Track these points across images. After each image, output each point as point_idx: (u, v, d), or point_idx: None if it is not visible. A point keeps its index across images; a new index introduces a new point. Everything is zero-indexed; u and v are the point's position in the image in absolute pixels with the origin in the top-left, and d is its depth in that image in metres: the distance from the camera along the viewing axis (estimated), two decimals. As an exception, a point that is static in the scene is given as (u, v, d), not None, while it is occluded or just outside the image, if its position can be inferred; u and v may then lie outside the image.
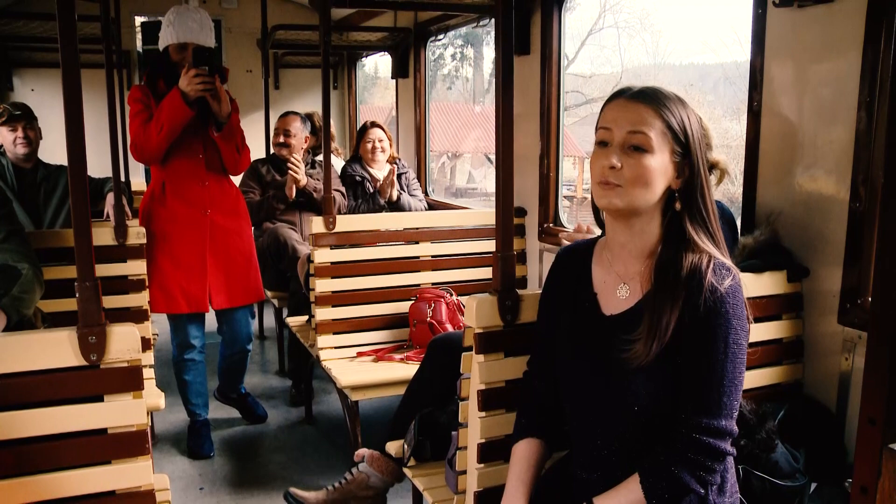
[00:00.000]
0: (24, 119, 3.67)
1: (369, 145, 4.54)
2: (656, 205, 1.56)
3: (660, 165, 1.52)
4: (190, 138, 3.24)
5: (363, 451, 2.75)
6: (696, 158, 1.54)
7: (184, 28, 3.18)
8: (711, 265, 1.52)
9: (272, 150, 4.76)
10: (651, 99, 1.53)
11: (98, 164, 3.73)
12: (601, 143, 1.56)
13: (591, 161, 1.58)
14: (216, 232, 3.36)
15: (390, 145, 4.66)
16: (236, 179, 3.65)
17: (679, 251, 1.55)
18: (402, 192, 4.52)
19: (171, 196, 3.30)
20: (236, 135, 3.31)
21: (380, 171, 4.54)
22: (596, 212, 1.68)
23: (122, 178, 3.68)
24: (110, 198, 3.44)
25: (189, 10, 3.21)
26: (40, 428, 1.62)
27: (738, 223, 2.53)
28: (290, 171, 4.30)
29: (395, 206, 4.45)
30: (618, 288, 1.64)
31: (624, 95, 1.56)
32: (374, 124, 4.61)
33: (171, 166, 3.29)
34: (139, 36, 6.34)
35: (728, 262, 1.56)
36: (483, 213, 3.84)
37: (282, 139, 4.51)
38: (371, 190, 4.48)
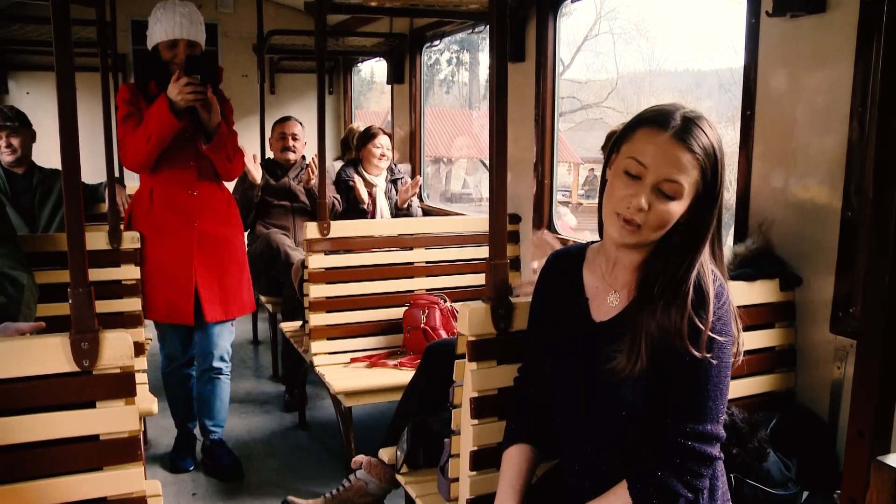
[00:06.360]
0: (9, 127, 3.62)
1: (378, 151, 4.54)
2: None
3: (681, 210, 1.51)
4: (181, 146, 3.08)
5: (361, 458, 2.74)
6: (716, 200, 1.52)
7: (171, 23, 3.00)
8: (694, 272, 1.53)
9: (270, 155, 4.77)
10: (693, 142, 1.47)
11: (93, 169, 3.74)
12: (630, 175, 1.50)
13: (615, 187, 1.53)
14: (205, 242, 3.18)
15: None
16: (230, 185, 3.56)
17: (667, 261, 1.55)
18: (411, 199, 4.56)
19: (158, 205, 3.13)
20: (227, 145, 3.14)
21: (378, 177, 4.55)
22: (600, 220, 1.63)
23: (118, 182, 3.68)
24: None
25: (176, 5, 3.04)
26: (32, 434, 1.61)
27: (731, 231, 2.54)
28: (309, 170, 4.35)
29: (405, 213, 4.48)
30: (609, 295, 1.64)
31: (665, 131, 1.48)
32: (382, 131, 4.61)
33: (161, 174, 3.12)
34: (130, 36, 6.29)
35: (713, 267, 1.56)
36: (477, 219, 3.85)
37: (290, 143, 4.53)
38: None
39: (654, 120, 1.51)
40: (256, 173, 4.35)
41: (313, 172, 4.32)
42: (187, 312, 3.17)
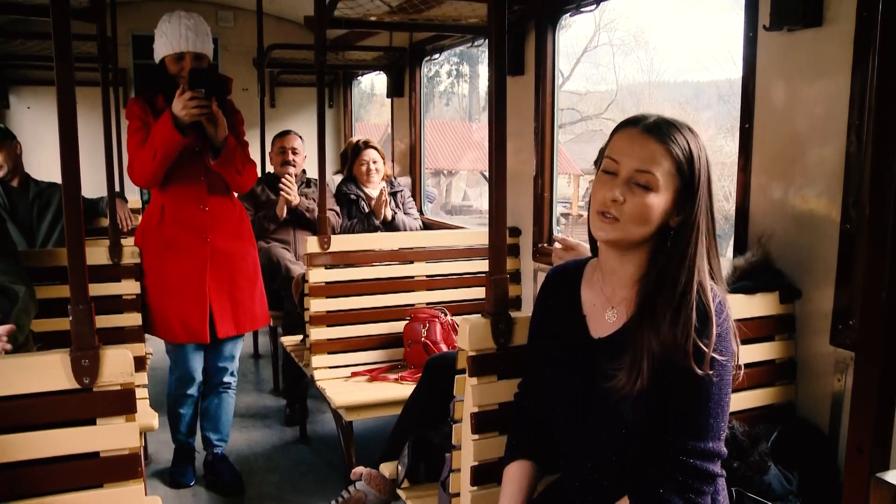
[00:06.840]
0: None
1: (363, 167, 4.56)
2: (651, 236, 1.55)
3: (661, 204, 1.51)
4: (190, 161, 3.01)
5: (360, 470, 2.74)
6: (699, 199, 1.52)
7: (177, 36, 2.93)
8: (695, 288, 1.52)
9: (270, 169, 4.77)
10: (664, 136, 1.50)
11: (93, 182, 3.73)
12: (607, 172, 1.54)
13: (595, 187, 1.57)
14: (217, 258, 3.12)
15: (384, 164, 4.67)
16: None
17: (665, 277, 1.54)
18: (395, 211, 4.53)
19: (169, 221, 3.07)
20: (235, 158, 3.05)
21: (374, 190, 4.55)
22: (591, 233, 1.66)
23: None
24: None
25: (181, 16, 2.96)
26: (32, 451, 1.61)
27: (731, 243, 2.54)
28: (282, 192, 4.32)
29: (390, 225, 4.46)
30: (606, 311, 1.64)
31: (637, 126, 1.53)
32: (367, 144, 4.61)
33: (171, 190, 3.05)
34: (130, 50, 6.32)
35: (713, 284, 1.55)
36: (478, 232, 3.85)
37: (290, 157, 4.53)
38: (366, 209, 4.49)
39: (629, 121, 1.57)
40: (295, 199, 4.35)
41: (289, 193, 4.32)
42: (202, 330, 3.11)
